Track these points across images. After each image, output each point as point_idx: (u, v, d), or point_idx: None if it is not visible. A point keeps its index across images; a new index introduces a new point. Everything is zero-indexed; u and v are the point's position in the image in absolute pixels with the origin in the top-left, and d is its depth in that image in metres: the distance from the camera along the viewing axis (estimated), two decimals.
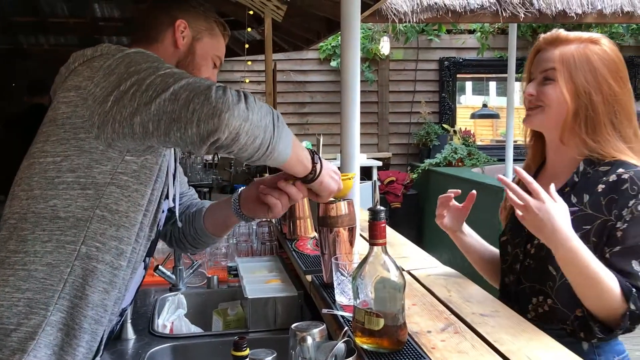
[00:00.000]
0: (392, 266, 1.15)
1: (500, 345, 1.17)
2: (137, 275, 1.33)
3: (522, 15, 5.38)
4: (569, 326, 1.37)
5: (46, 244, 1.17)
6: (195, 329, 2.08)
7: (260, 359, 1.22)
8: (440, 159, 7.15)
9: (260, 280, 2.04)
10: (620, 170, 1.35)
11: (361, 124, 1.94)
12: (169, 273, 2.24)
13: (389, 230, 2.08)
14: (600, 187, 1.36)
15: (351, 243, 1.53)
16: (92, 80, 1.18)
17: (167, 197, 1.36)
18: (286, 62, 7.70)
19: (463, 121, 8.32)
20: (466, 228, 1.65)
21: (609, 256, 1.32)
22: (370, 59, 7.87)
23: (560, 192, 1.42)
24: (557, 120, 1.43)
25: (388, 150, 8.10)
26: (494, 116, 8.02)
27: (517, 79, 5.87)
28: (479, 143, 8.20)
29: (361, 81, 1.98)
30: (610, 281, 1.27)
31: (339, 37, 2.11)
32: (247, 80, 6.71)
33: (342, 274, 1.40)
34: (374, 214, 1.17)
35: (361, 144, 2.00)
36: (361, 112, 1.96)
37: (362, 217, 1.74)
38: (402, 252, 1.98)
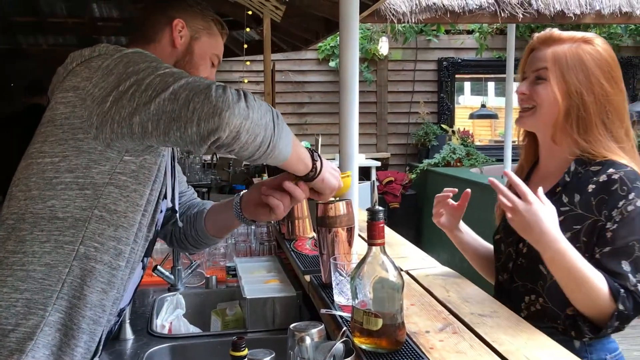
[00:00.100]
0: (390, 266, 1.15)
1: (498, 345, 1.17)
2: (135, 276, 1.33)
3: (521, 16, 5.39)
4: (560, 325, 1.37)
5: (44, 244, 1.17)
6: (193, 329, 2.08)
7: (258, 359, 1.22)
8: (438, 159, 7.16)
9: (259, 281, 2.04)
10: (611, 170, 1.35)
11: (360, 124, 1.94)
12: (167, 273, 2.24)
13: (388, 231, 2.09)
14: (591, 187, 1.37)
15: (350, 243, 1.53)
16: (91, 80, 1.18)
17: (165, 197, 1.36)
18: (285, 62, 7.70)
19: (461, 121, 8.33)
20: (463, 226, 1.66)
21: (599, 257, 1.32)
22: (369, 59, 7.88)
23: (552, 191, 1.44)
24: (548, 120, 1.44)
25: (387, 150, 8.11)
26: (493, 116, 8.03)
27: (515, 80, 5.87)
28: (477, 143, 8.20)
29: (360, 81, 1.99)
30: (598, 282, 1.27)
31: (338, 38, 2.11)
32: (246, 81, 6.71)
33: (340, 274, 1.40)
34: (372, 214, 1.17)
35: (360, 144, 2.00)
36: (360, 112, 1.96)
37: (360, 217, 1.74)
38: (401, 252, 1.99)
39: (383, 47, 7.73)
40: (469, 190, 1.61)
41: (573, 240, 1.35)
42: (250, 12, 5.06)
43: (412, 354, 1.14)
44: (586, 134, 1.40)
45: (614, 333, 1.34)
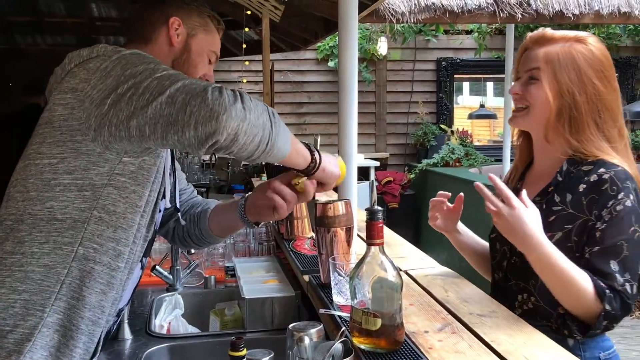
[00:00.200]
0: (389, 266, 1.15)
1: (497, 345, 1.17)
2: (134, 276, 1.33)
3: (520, 16, 5.40)
4: (553, 323, 1.38)
5: (43, 245, 1.17)
6: (192, 329, 2.08)
7: (257, 359, 1.22)
8: (437, 159, 7.16)
9: (258, 281, 2.04)
10: (602, 170, 1.36)
11: (359, 124, 1.94)
12: (166, 273, 2.24)
13: (387, 231, 2.09)
14: (582, 186, 1.37)
15: (348, 243, 1.53)
16: (89, 82, 1.17)
17: (164, 196, 1.36)
18: (284, 62, 7.70)
19: (460, 121, 8.34)
20: (461, 227, 1.66)
21: (589, 256, 1.33)
22: (368, 59, 7.88)
23: (545, 191, 1.45)
24: (541, 119, 1.44)
25: (385, 150, 8.11)
26: (491, 116, 8.03)
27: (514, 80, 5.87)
28: (476, 143, 8.21)
29: (359, 81, 1.99)
30: (583, 282, 1.28)
31: (337, 37, 2.11)
32: (245, 80, 6.71)
33: (339, 274, 1.40)
34: (371, 214, 1.17)
35: (359, 144, 2.00)
36: (359, 112, 1.96)
37: (359, 217, 1.74)
38: (400, 252, 1.98)
39: (382, 47, 7.74)
40: (462, 194, 1.62)
41: (564, 239, 1.36)
42: (249, 12, 5.06)
43: (411, 353, 1.14)
44: (578, 133, 1.41)
45: (604, 332, 1.35)
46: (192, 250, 2.27)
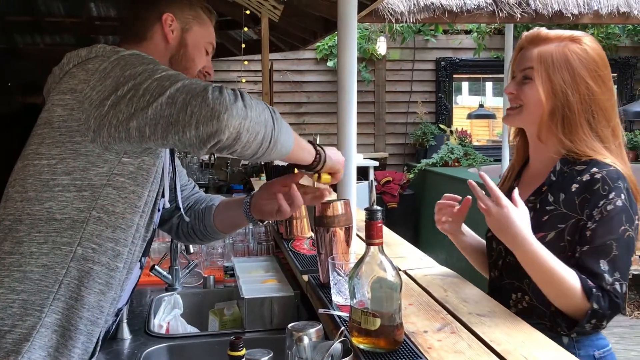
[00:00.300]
0: (388, 266, 1.15)
1: (496, 345, 1.17)
2: (133, 276, 1.32)
3: (519, 16, 5.40)
4: (547, 321, 1.38)
5: (42, 245, 1.16)
6: (191, 329, 2.08)
7: (256, 359, 1.22)
8: (436, 159, 7.16)
9: (257, 280, 2.04)
10: (594, 169, 1.37)
11: (358, 124, 1.94)
12: (165, 273, 2.24)
13: (386, 230, 2.09)
14: (575, 186, 1.38)
15: (348, 243, 1.53)
16: (88, 83, 1.17)
17: (163, 195, 1.36)
18: (283, 62, 7.70)
19: (459, 121, 8.33)
20: (464, 227, 1.67)
21: (579, 255, 1.34)
22: (367, 59, 7.88)
23: (539, 191, 1.46)
24: (534, 119, 1.45)
25: (385, 150, 8.11)
26: (491, 116, 8.03)
27: None
28: (475, 143, 8.21)
29: (358, 81, 1.99)
30: (570, 279, 1.29)
31: (336, 37, 2.11)
32: (244, 80, 6.71)
33: (338, 274, 1.40)
34: (370, 213, 1.17)
35: (358, 144, 2.00)
36: (358, 112, 1.96)
37: (358, 217, 1.74)
38: (399, 252, 1.98)
39: (381, 46, 7.73)
40: (469, 197, 1.62)
41: (557, 239, 1.37)
42: (248, 12, 5.06)
43: (410, 353, 1.14)
44: (571, 133, 1.42)
45: (595, 330, 1.35)
46: (191, 250, 2.27)
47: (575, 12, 5.45)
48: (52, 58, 1.34)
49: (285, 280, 2.03)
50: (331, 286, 1.43)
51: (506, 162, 5.57)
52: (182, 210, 1.50)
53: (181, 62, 1.36)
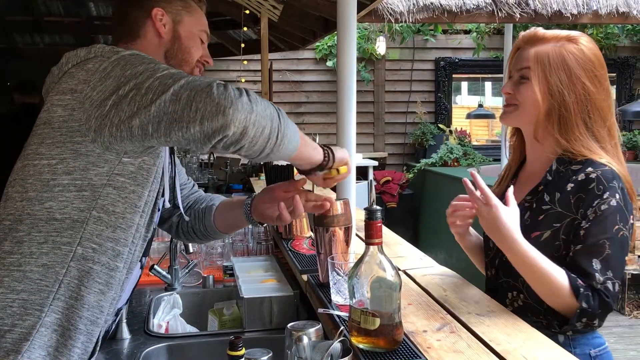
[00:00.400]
0: (388, 266, 1.15)
1: (496, 344, 1.17)
2: (133, 275, 1.32)
3: (518, 16, 5.40)
4: (543, 320, 1.39)
5: (42, 245, 1.16)
6: (190, 329, 2.07)
7: (256, 358, 1.22)
8: (436, 159, 7.16)
9: (256, 280, 2.04)
10: (589, 169, 1.37)
11: (357, 123, 1.95)
12: (164, 273, 2.24)
13: (385, 230, 2.09)
14: (570, 185, 1.39)
15: (347, 243, 1.53)
16: (89, 83, 1.17)
17: (163, 194, 1.36)
18: (282, 61, 7.70)
19: (459, 121, 8.33)
20: (471, 229, 1.67)
21: (572, 254, 1.35)
22: (367, 59, 7.88)
23: (535, 190, 1.47)
24: (530, 118, 1.46)
25: (384, 150, 8.11)
26: (490, 116, 8.03)
27: None
28: (474, 143, 8.20)
29: (357, 81, 1.99)
30: (560, 278, 1.31)
31: (335, 37, 2.11)
32: (243, 80, 6.71)
33: (338, 274, 1.40)
34: (370, 213, 1.17)
35: (357, 144, 2.00)
36: (357, 112, 1.96)
37: (358, 217, 1.74)
38: (398, 252, 1.98)
39: (380, 46, 7.73)
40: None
41: (553, 238, 1.38)
42: (247, 12, 5.06)
43: (410, 353, 1.14)
44: (567, 133, 1.42)
45: (587, 329, 1.35)
46: (191, 250, 2.27)
47: (575, 12, 5.45)
48: (52, 58, 1.34)
49: (284, 280, 2.03)
50: (330, 286, 1.43)
51: (505, 162, 5.56)
52: (181, 209, 1.50)
53: (177, 54, 1.35)
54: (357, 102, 1.95)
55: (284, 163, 1.42)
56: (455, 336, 1.22)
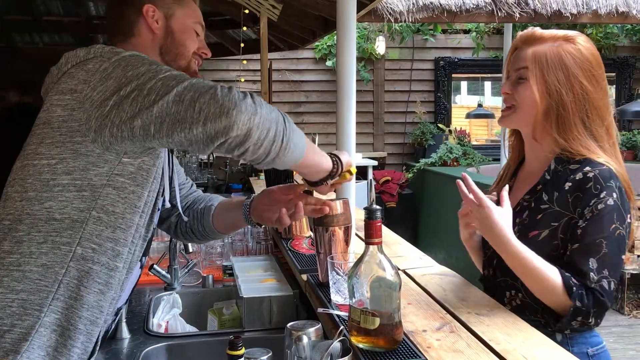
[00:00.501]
0: (387, 265, 1.15)
1: (495, 344, 1.17)
2: (133, 275, 1.32)
3: (518, 15, 5.41)
4: (541, 318, 1.39)
5: (41, 245, 1.16)
6: (190, 329, 2.07)
7: (255, 358, 1.22)
8: (435, 159, 7.16)
9: (256, 280, 2.04)
10: (587, 168, 1.38)
11: (357, 123, 1.95)
12: (164, 272, 2.24)
13: (385, 230, 2.08)
14: (568, 184, 1.39)
15: (347, 242, 1.53)
16: (89, 84, 1.17)
17: (162, 194, 1.35)
18: (282, 61, 7.70)
19: (458, 121, 8.34)
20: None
21: (569, 253, 1.36)
22: (366, 59, 7.88)
23: (534, 189, 1.47)
24: (528, 118, 1.46)
25: (383, 149, 8.11)
26: (489, 116, 8.04)
27: None
28: (474, 143, 8.21)
29: (357, 81, 1.99)
30: (553, 277, 1.32)
31: (335, 37, 2.11)
32: (243, 80, 6.71)
33: (337, 273, 1.40)
34: (369, 213, 1.17)
35: (356, 144, 2.00)
36: (356, 112, 1.96)
37: (357, 217, 1.74)
38: (398, 252, 1.98)
39: (380, 46, 7.73)
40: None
41: (551, 237, 1.38)
42: (247, 11, 5.06)
43: (409, 353, 1.14)
44: (565, 132, 1.43)
45: (583, 327, 1.36)
46: (190, 249, 2.27)
47: (574, 11, 5.45)
48: (51, 57, 1.34)
49: (284, 279, 2.03)
50: (330, 285, 1.43)
51: (504, 161, 5.56)
52: (180, 209, 1.50)
53: (172, 49, 1.35)
54: (357, 102, 1.94)
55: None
56: (455, 336, 1.22)
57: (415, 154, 7.92)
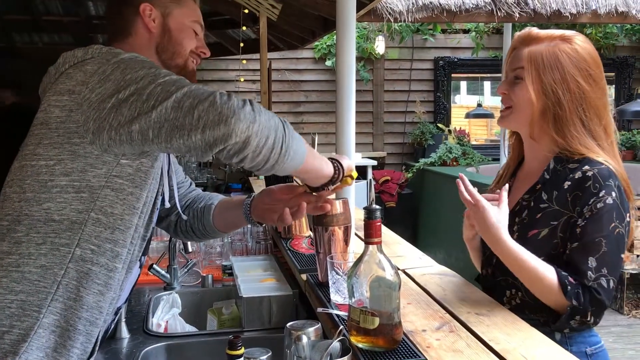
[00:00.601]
0: (387, 265, 1.15)
1: (495, 344, 1.17)
2: (132, 275, 1.32)
3: (517, 15, 5.41)
4: (540, 317, 1.40)
5: (40, 246, 1.16)
6: (189, 328, 2.07)
7: (255, 357, 1.22)
8: (435, 159, 7.17)
9: (255, 279, 2.04)
10: (586, 167, 1.39)
11: (356, 123, 1.95)
12: (163, 272, 2.23)
13: (384, 229, 2.08)
14: (567, 183, 1.40)
15: (346, 242, 1.53)
16: (87, 85, 1.16)
17: (162, 194, 1.35)
18: (281, 61, 7.69)
19: (458, 121, 8.34)
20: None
21: (569, 252, 1.36)
22: (366, 58, 7.88)
23: (533, 189, 1.48)
24: (525, 118, 1.47)
25: (383, 149, 8.11)
26: (489, 116, 8.03)
27: None
28: (473, 142, 8.21)
29: (356, 80, 1.99)
30: (549, 276, 1.32)
31: (334, 36, 2.11)
32: (242, 79, 6.71)
33: (337, 273, 1.40)
34: (369, 212, 1.17)
35: (356, 143, 2.00)
36: (356, 111, 1.96)
37: (357, 216, 1.74)
38: (398, 251, 1.98)
39: (379, 46, 7.73)
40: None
41: (550, 236, 1.39)
42: (246, 11, 5.06)
43: (409, 352, 1.14)
44: (563, 131, 1.43)
45: (583, 327, 1.36)
46: (190, 249, 2.27)
47: (574, 11, 5.46)
48: (50, 57, 1.34)
49: (283, 279, 2.03)
50: (330, 285, 1.43)
51: (504, 161, 5.56)
52: (179, 208, 1.50)
53: (168, 47, 1.35)
54: (356, 102, 1.95)
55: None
56: (455, 335, 1.22)
57: (415, 154, 7.92)
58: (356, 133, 1.95)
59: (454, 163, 7.17)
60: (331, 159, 1.32)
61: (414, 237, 7.07)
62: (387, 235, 2.23)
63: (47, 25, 6.39)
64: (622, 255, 1.37)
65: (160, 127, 1.08)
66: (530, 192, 1.48)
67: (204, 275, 2.34)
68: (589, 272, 1.31)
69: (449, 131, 7.91)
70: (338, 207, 1.51)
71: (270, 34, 5.63)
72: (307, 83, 7.94)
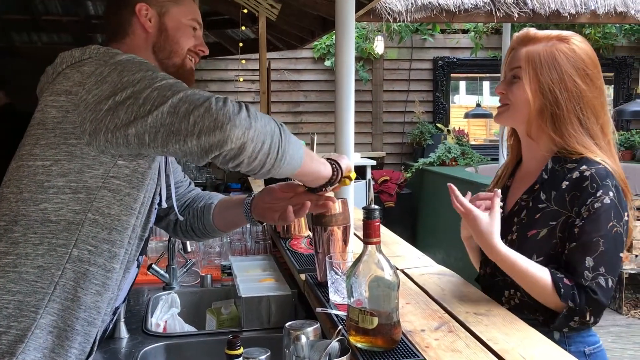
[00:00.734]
0: (386, 265, 1.15)
1: (494, 344, 1.17)
2: (130, 275, 1.32)
3: (516, 15, 5.41)
4: (539, 317, 1.40)
5: (37, 246, 1.16)
6: (188, 328, 2.07)
7: (254, 357, 1.22)
8: (434, 158, 7.17)
9: (254, 279, 2.04)
10: (584, 167, 1.39)
11: (355, 123, 1.95)
12: (162, 272, 2.23)
13: (383, 229, 2.09)
14: (565, 183, 1.40)
15: (345, 242, 1.53)
16: (84, 86, 1.16)
17: (159, 193, 1.35)
18: (280, 61, 7.69)
19: (457, 121, 8.34)
20: None
21: (567, 252, 1.37)
22: (365, 58, 7.88)
23: (531, 189, 1.48)
24: (522, 117, 1.47)
25: (382, 149, 8.11)
26: (488, 116, 8.03)
27: None
28: (472, 142, 8.21)
29: (355, 80, 1.99)
30: (544, 277, 1.33)
31: (334, 36, 2.11)
32: (241, 79, 6.70)
33: (336, 273, 1.40)
34: (368, 212, 1.17)
35: (355, 143, 2.00)
36: (355, 111, 1.96)
37: (356, 216, 1.74)
38: (396, 251, 1.99)
39: (379, 46, 7.73)
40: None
41: (549, 236, 1.39)
42: (245, 11, 5.06)
43: (408, 352, 1.14)
44: (560, 130, 1.44)
45: (582, 326, 1.36)
46: (189, 249, 2.27)
47: (573, 11, 5.46)
48: (50, 57, 1.34)
49: (282, 279, 2.03)
50: (329, 285, 1.43)
51: (503, 161, 5.57)
52: (175, 208, 1.49)
53: (165, 46, 1.34)
54: (355, 102, 1.95)
55: None
56: (454, 335, 1.22)
57: (414, 154, 7.92)
58: (355, 133, 1.95)
59: (453, 163, 7.17)
60: (330, 160, 1.32)
61: (413, 237, 7.07)
62: (386, 235, 2.23)
63: (46, 25, 6.38)
64: (621, 255, 1.37)
65: (156, 132, 1.09)
66: (528, 192, 1.48)
67: (203, 275, 2.34)
68: (586, 272, 1.32)
69: (448, 131, 7.91)
70: (337, 207, 1.51)
71: (270, 33, 5.63)
72: (306, 83, 7.94)
